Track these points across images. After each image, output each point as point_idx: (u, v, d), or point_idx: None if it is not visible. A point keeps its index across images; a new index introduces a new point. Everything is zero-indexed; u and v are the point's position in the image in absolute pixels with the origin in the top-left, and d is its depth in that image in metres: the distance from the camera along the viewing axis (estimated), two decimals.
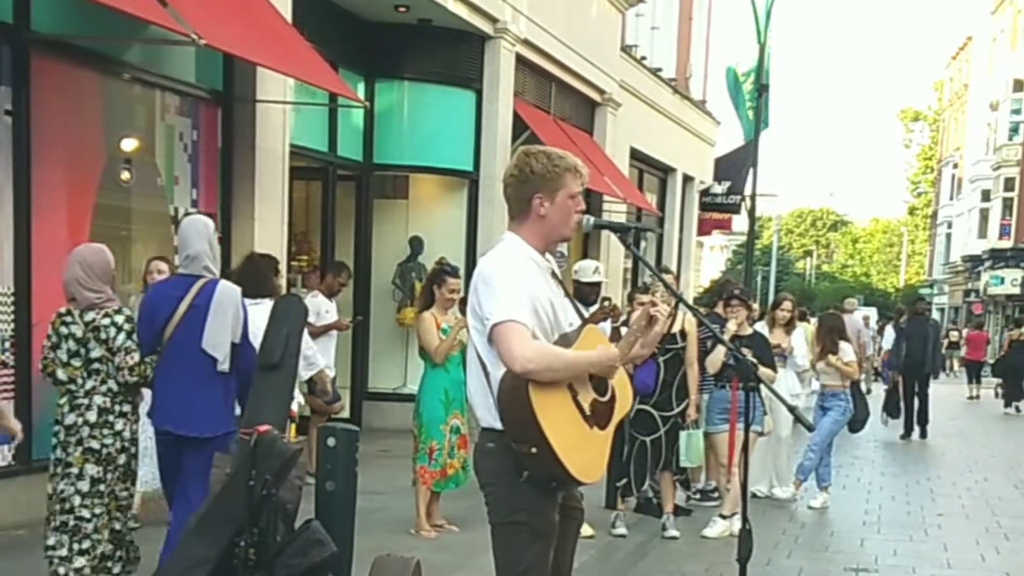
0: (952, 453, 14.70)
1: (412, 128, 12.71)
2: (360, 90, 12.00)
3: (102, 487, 5.55)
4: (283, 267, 9.11)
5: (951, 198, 62.11)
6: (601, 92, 16.48)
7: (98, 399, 5.55)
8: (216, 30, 7.23)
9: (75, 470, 5.53)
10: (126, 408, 5.65)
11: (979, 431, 18.23)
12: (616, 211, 17.20)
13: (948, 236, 62.24)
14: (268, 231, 9.07)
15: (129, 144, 8.62)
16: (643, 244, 20.58)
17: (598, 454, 3.93)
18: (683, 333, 8.21)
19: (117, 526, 5.67)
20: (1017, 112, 47.54)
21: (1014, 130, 47.84)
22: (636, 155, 19.30)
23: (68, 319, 5.58)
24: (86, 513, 5.53)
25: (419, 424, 7.84)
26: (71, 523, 5.52)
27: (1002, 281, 46.78)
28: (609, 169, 16.16)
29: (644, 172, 20.68)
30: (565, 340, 3.86)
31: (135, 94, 8.69)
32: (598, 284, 8.27)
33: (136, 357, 5.59)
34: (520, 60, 13.55)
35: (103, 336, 5.54)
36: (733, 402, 8.40)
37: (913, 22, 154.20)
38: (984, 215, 51.33)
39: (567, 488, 3.93)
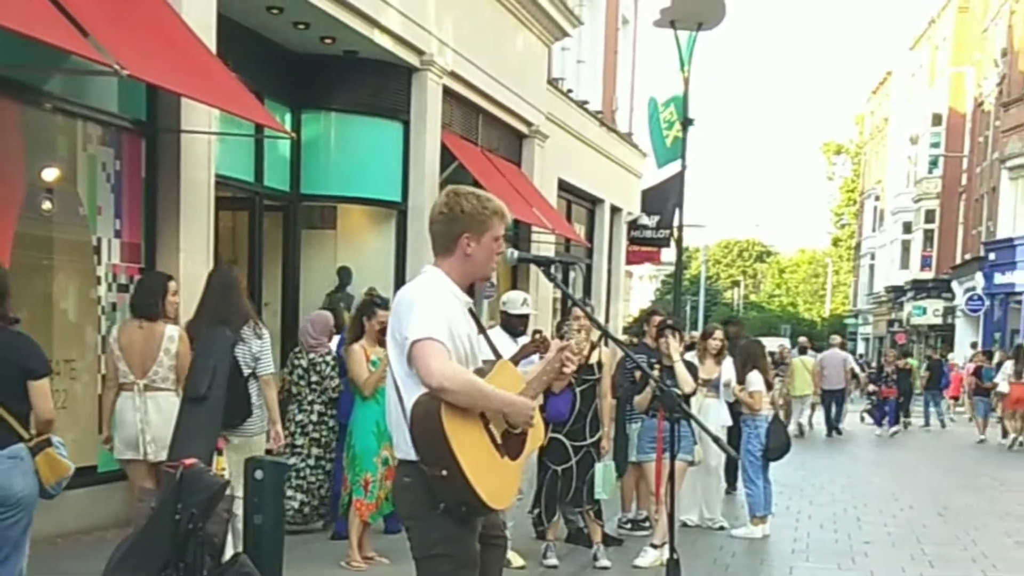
0: (878, 481, 14.89)
1: (339, 159, 12.69)
2: (286, 121, 11.96)
3: (322, 461, 8.85)
4: None
5: (874, 230, 63.22)
6: (528, 124, 16.60)
7: (317, 407, 8.78)
8: (139, 60, 7.19)
9: (304, 451, 8.79)
10: (333, 412, 8.81)
11: (903, 459, 18.52)
12: (545, 242, 17.29)
13: (871, 267, 63.33)
14: (193, 262, 8.99)
15: (50, 174, 8.52)
16: (572, 275, 20.69)
17: (508, 482, 4.00)
18: (600, 365, 8.27)
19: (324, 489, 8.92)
20: (936, 146, 48.58)
21: (934, 163, 48.87)
22: (564, 186, 19.44)
23: (299, 356, 8.86)
24: (312, 478, 8.85)
25: (351, 456, 7.83)
26: (303, 484, 8.79)
27: (924, 311, 47.68)
28: (537, 200, 16.25)
29: (572, 203, 20.83)
30: (479, 374, 3.94)
31: (57, 124, 8.60)
32: (527, 316, 8.33)
33: (337, 382, 8.74)
34: (447, 92, 13.61)
35: (319, 369, 8.73)
36: (659, 432, 8.44)
37: (835, 57, 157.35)
38: (906, 247, 52.33)
39: (480, 514, 3.95)
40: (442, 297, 3.90)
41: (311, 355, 8.77)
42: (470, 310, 4.11)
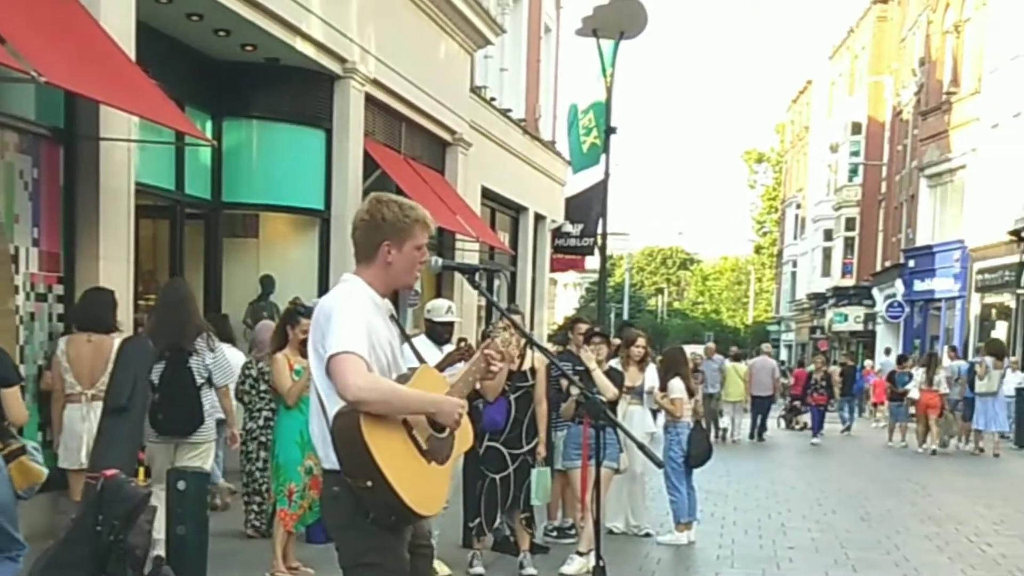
0: (802, 487, 15.00)
1: (262, 166, 12.65)
2: (207, 128, 11.90)
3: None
4: (130, 307, 9.02)
5: (795, 237, 63.95)
6: (452, 132, 16.64)
7: (265, 413, 8.81)
8: (57, 67, 7.12)
9: (254, 456, 9.01)
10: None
11: (826, 465, 18.72)
12: (469, 250, 17.33)
13: (793, 274, 64.04)
14: (113, 270, 8.89)
15: None
16: (497, 283, 20.74)
17: (436, 488, 3.99)
18: (533, 371, 8.25)
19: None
20: (856, 154, 49.26)
21: (854, 171, 49.53)
22: (488, 194, 19.51)
23: (249, 365, 9.01)
24: (263, 482, 8.84)
25: (275, 467, 7.81)
26: (252, 487, 9.03)
27: (846, 318, 48.25)
28: (461, 208, 16.29)
29: (496, 211, 20.90)
30: (402, 379, 3.94)
31: None
32: (451, 323, 8.32)
33: None
34: (370, 99, 13.60)
35: (268, 378, 8.40)
36: (584, 439, 8.47)
37: (757, 66, 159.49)
38: (827, 254, 52.99)
39: (409, 523, 3.96)
40: (362, 306, 3.88)
41: (260, 364, 8.81)
42: (393, 317, 4.10)
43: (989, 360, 21.06)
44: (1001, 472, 17.90)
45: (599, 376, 8.65)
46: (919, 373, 21.91)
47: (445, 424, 3.92)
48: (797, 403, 26.79)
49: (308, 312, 7.76)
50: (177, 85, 10.74)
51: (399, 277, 4.02)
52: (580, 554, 8.45)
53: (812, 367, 27.30)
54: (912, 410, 22.78)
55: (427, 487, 3.87)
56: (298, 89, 12.67)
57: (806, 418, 25.60)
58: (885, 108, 47.19)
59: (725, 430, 21.96)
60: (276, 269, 13.11)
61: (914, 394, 21.77)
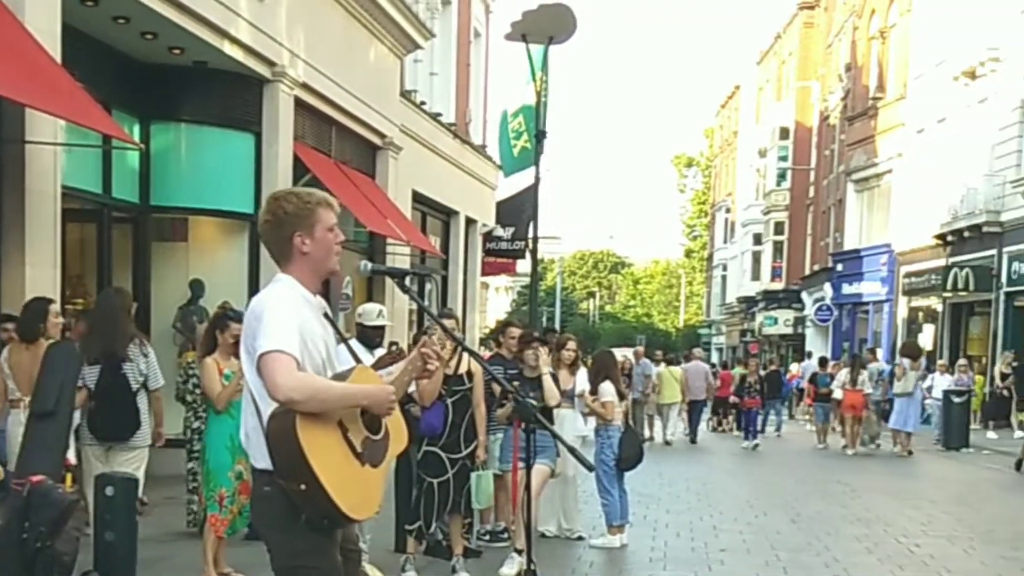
0: (733, 489, 15.10)
1: (190, 170, 12.56)
2: (135, 131, 11.80)
3: None
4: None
5: (725, 241, 64.50)
6: (382, 136, 16.63)
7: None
8: None
9: (200, 456, 8.39)
10: None
11: (757, 467, 18.88)
12: (400, 254, 17.32)
13: (724, 278, 64.52)
14: (40, 276, 8.79)
15: None
16: (428, 287, 20.73)
17: (371, 491, 3.94)
18: (470, 374, 8.20)
19: None
20: (784, 159, 49.85)
21: (782, 176, 50.10)
22: (418, 198, 19.51)
23: (193, 366, 8.78)
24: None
25: (205, 472, 7.76)
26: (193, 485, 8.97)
27: (775, 321, 48.66)
28: (392, 212, 16.28)
29: (427, 215, 20.91)
30: (337, 379, 3.90)
31: None
32: (382, 327, 8.30)
33: None
34: (299, 103, 13.56)
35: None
36: (515, 442, 8.45)
37: (687, 70, 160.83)
38: (757, 258, 53.44)
39: (343, 526, 3.94)
40: (294, 303, 3.84)
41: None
42: (327, 315, 4.06)
43: (906, 362, 21.53)
44: (928, 474, 18.16)
45: (548, 382, 8.68)
46: (843, 374, 22.41)
47: (378, 413, 3.88)
48: (728, 406, 27.08)
49: (237, 316, 7.72)
50: (104, 88, 10.64)
51: (321, 263, 3.97)
52: (518, 551, 8.46)
53: (739, 369, 27.81)
54: (835, 411, 23.38)
55: (361, 491, 3.83)
56: (227, 92, 12.61)
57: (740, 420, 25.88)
58: (812, 113, 47.84)
59: (651, 438, 22.16)
60: (205, 273, 13.03)
61: (838, 395, 22.22)
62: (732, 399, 25.59)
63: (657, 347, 30.85)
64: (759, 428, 23.29)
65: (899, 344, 31.41)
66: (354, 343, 7.92)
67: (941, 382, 22.52)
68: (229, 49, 11.69)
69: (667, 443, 22.55)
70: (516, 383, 8.33)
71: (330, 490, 3.61)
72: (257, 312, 3.80)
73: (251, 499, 4.06)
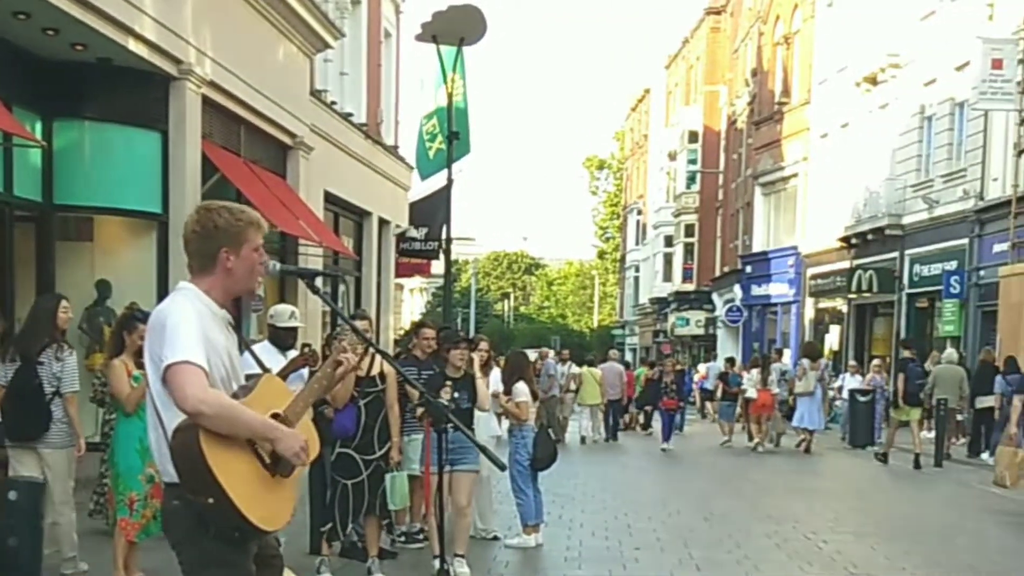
0: (647, 488, 15.26)
1: (95, 169, 12.32)
2: (37, 129, 11.57)
3: None
4: None
5: (637, 243, 65.06)
6: (292, 135, 16.49)
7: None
8: None
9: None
10: None
11: (670, 466, 19.11)
12: (313, 255, 17.19)
13: (636, 279, 65.08)
14: None
15: None
16: (342, 288, 20.61)
17: (282, 502, 3.90)
18: (382, 376, 8.20)
19: None
20: (693, 162, 50.43)
21: (692, 179, 50.69)
22: (331, 199, 19.39)
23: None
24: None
25: (115, 475, 7.65)
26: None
27: (687, 322, 49.20)
28: (304, 213, 16.15)
29: (340, 216, 20.78)
30: (244, 390, 3.86)
31: None
32: (295, 329, 8.26)
33: None
34: (207, 102, 13.38)
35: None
36: (427, 443, 8.45)
37: (599, 73, 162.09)
38: (668, 260, 54.00)
39: (254, 538, 3.89)
40: (198, 315, 3.77)
41: None
42: (231, 325, 4.01)
43: (806, 362, 22.05)
44: (835, 471, 18.59)
45: (481, 386, 8.69)
46: (753, 374, 22.92)
47: (283, 456, 3.77)
48: (645, 405, 27.52)
49: (145, 317, 7.62)
50: (3, 85, 10.45)
51: (241, 282, 3.95)
52: (460, 556, 8.47)
53: (643, 370, 28.31)
54: (740, 409, 24.14)
55: (272, 501, 3.78)
56: (132, 90, 12.39)
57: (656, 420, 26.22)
58: (720, 117, 48.48)
59: (559, 440, 22.37)
60: (112, 274, 12.82)
61: (751, 394, 22.76)
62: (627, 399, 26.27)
63: (572, 348, 31.17)
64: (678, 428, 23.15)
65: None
66: (266, 345, 7.94)
67: (852, 382, 23.05)
68: (134, 46, 11.50)
69: (594, 441, 23.13)
70: (450, 383, 8.34)
71: (239, 503, 3.57)
72: (160, 321, 3.74)
73: (161, 510, 4.00)
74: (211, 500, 3.56)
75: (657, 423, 24.53)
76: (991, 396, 19.05)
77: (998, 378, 18.83)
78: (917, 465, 18.22)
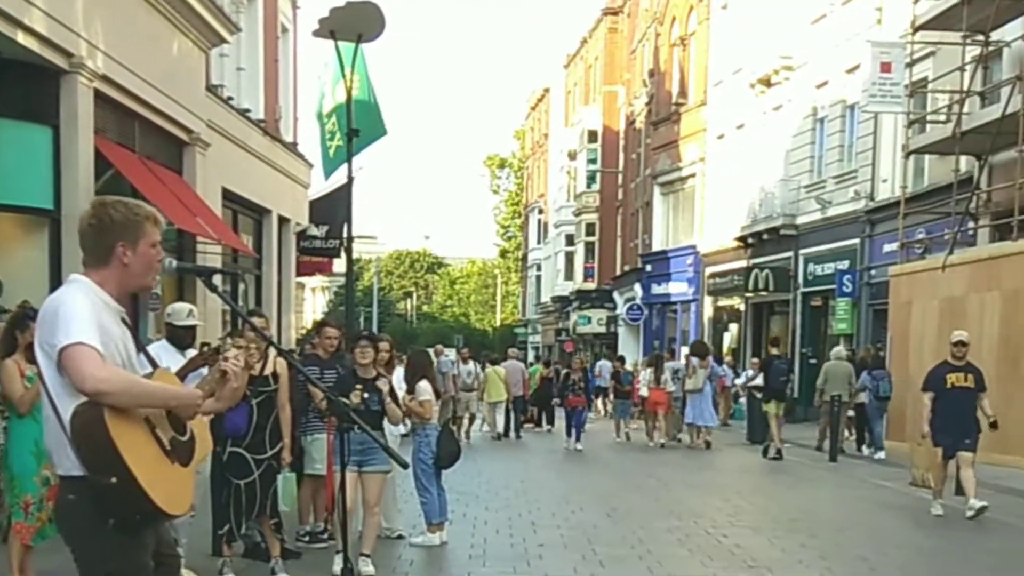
0: (551, 486, 15.35)
1: None
2: None
3: None
4: None
5: (539, 242, 65.38)
6: (188, 131, 16.23)
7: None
8: None
9: None
10: None
11: (574, 463, 19.24)
12: (211, 253, 16.96)
13: (538, 278, 65.38)
14: None
15: None
16: (242, 286, 20.37)
17: (182, 487, 3.88)
18: (275, 375, 8.16)
19: None
20: (593, 161, 50.82)
21: (592, 178, 51.06)
22: (229, 196, 19.12)
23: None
24: None
25: (8, 478, 7.47)
26: None
27: (589, 320, 49.52)
28: (201, 210, 15.91)
29: (239, 213, 20.52)
30: None
31: None
32: (193, 327, 8.15)
33: None
34: (100, 96, 13.09)
35: None
36: (329, 443, 8.42)
37: (501, 71, 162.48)
38: (570, 258, 54.33)
39: (155, 523, 3.85)
40: (91, 303, 3.73)
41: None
42: (125, 321, 3.96)
43: (695, 360, 22.44)
44: (735, 467, 18.89)
45: (391, 407, 8.65)
46: (648, 373, 23.36)
47: (184, 415, 3.84)
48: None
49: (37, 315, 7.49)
50: None
51: (137, 278, 3.91)
52: (365, 555, 8.45)
53: (538, 368, 28.65)
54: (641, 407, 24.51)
55: (173, 485, 3.76)
56: (22, 84, 12.07)
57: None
58: (619, 117, 48.93)
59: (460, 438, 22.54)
60: (2, 271, 12.47)
61: (644, 392, 23.27)
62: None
63: (474, 347, 31.39)
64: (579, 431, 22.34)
65: (707, 343, 32.49)
66: (164, 344, 7.83)
67: (757, 379, 23.38)
68: (23, 39, 11.21)
69: (494, 438, 23.56)
70: (360, 386, 8.30)
71: (142, 481, 3.54)
72: (51, 310, 3.70)
73: (55, 507, 3.93)
74: (114, 480, 3.53)
75: (559, 420, 24.72)
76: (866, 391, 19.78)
77: (864, 373, 19.67)
78: (778, 456, 19.10)
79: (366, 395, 8.27)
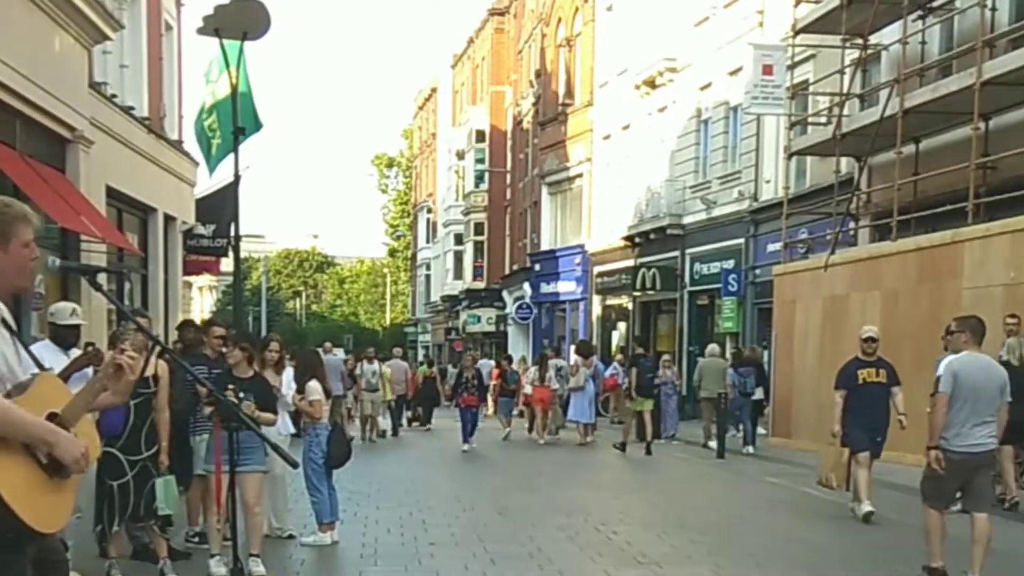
0: (442, 484, 15.40)
1: None
2: None
3: None
4: None
5: (428, 241, 65.26)
6: (71, 129, 15.88)
7: None
8: None
9: None
10: None
11: (464, 462, 19.37)
12: (96, 251, 16.62)
13: (428, 277, 65.29)
14: None
15: None
16: (128, 285, 20.00)
17: (60, 502, 3.72)
18: (155, 378, 8.08)
19: None
20: (481, 161, 50.88)
21: (480, 178, 51.12)
22: (114, 194, 18.74)
23: None
24: None
25: None
26: None
27: (479, 319, 49.57)
28: (85, 208, 15.59)
29: (123, 212, 20.12)
30: (18, 389, 3.68)
31: None
32: (77, 327, 8.02)
33: None
34: None
35: None
36: (217, 442, 8.32)
37: (388, 70, 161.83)
38: (459, 258, 54.35)
39: (30, 541, 3.70)
40: None
41: None
42: (5, 323, 3.81)
43: (578, 359, 22.92)
44: (626, 464, 19.05)
45: (265, 417, 8.57)
46: (532, 371, 23.96)
47: (63, 463, 3.60)
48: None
49: None
50: None
51: (10, 278, 3.76)
52: (254, 555, 8.42)
53: (423, 368, 28.84)
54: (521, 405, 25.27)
55: (48, 503, 3.61)
56: None
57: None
58: (507, 117, 49.11)
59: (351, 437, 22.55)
60: None
61: (528, 389, 23.91)
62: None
63: (366, 347, 31.32)
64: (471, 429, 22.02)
65: (595, 341, 32.89)
66: (47, 344, 7.69)
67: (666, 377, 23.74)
68: None
69: (382, 436, 23.60)
70: (233, 385, 8.25)
71: (12, 504, 3.42)
72: None
73: None
74: None
75: (439, 420, 24.89)
76: (757, 389, 20.29)
77: (729, 370, 20.27)
78: (648, 452, 19.68)
79: (241, 394, 8.24)
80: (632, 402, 20.58)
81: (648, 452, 19.69)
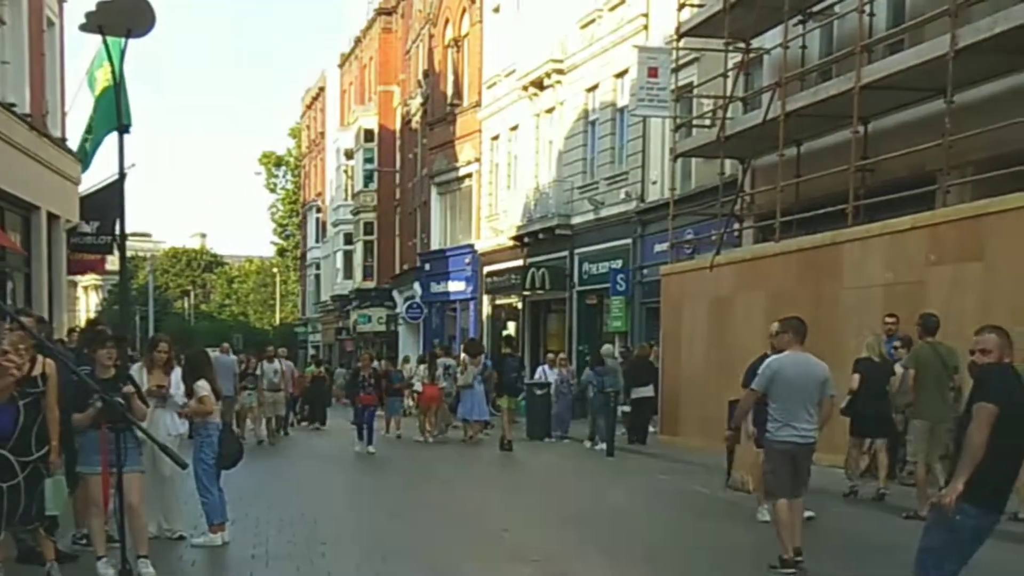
0: (332, 483, 15.46)
1: None
2: None
3: None
4: None
5: (317, 240, 64.78)
6: None
7: None
8: None
9: None
10: None
11: (358, 461, 19.40)
12: None
13: (317, 276, 64.76)
14: None
15: None
16: (10, 285, 19.61)
17: None
18: (44, 376, 7.89)
19: None
20: (370, 161, 50.70)
21: (369, 178, 50.93)
22: None
23: None
24: None
25: None
26: None
27: (369, 319, 49.30)
28: None
29: (5, 210, 19.72)
30: None
31: None
32: None
33: None
34: None
35: None
36: (103, 443, 8.25)
37: (276, 68, 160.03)
38: (349, 257, 53.96)
39: None
40: None
41: None
42: None
43: (466, 358, 23.17)
44: (517, 463, 19.24)
45: (137, 403, 8.53)
46: (421, 370, 24.26)
47: None
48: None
49: None
50: None
51: None
52: (143, 557, 8.38)
53: (311, 368, 28.83)
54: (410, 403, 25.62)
55: None
56: None
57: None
58: (396, 117, 48.99)
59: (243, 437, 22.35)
60: None
61: (418, 387, 24.20)
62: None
63: (258, 347, 31.07)
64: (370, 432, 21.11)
65: (486, 340, 33.04)
66: None
67: (551, 375, 23.95)
68: None
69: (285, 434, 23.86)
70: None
71: None
72: None
73: None
74: None
75: (334, 419, 24.89)
76: (647, 387, 20.72)
77: (587, 370, 20.87)
78: (503, 447, 20.12)
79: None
80: (498, 399, 21.20)
81: (507, 448, 20.13)
